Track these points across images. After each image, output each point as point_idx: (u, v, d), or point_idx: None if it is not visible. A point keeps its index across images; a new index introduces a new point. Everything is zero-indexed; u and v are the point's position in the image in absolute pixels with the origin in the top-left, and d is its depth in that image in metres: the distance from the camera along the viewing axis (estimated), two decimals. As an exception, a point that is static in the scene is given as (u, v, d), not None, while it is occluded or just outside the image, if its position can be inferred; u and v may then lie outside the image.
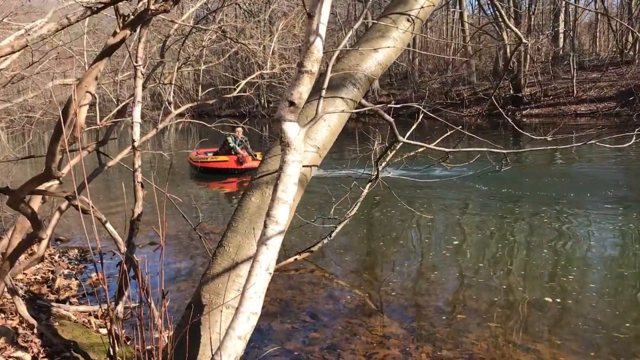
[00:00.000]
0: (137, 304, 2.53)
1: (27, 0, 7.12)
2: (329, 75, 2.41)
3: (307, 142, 2.51)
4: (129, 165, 4.02)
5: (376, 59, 2.83)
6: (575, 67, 24.56)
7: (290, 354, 3.82)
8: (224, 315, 2.13)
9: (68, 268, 5.73)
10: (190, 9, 6.39)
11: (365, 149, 6.75)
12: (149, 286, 2.33)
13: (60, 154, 2.52)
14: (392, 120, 3.59)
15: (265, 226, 1.89)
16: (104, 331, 3.76)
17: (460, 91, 27.75)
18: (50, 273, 5.35)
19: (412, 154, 5.28)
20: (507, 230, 7.07)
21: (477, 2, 31.99)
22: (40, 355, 3.06)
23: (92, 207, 2.34)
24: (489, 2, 24.95)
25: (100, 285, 4.90)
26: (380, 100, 28.62)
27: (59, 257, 6.09)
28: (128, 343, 3.37)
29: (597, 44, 29.68)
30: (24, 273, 4.89)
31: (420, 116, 3.58)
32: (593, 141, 3.41)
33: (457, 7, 30.08)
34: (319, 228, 6.39)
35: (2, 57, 2.84)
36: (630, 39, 25.73)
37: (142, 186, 3.59)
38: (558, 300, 4.67)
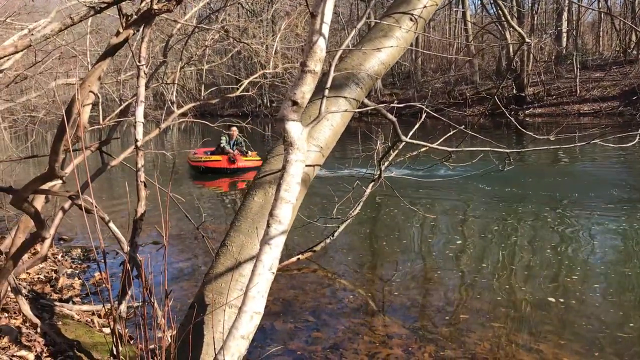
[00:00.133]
0: (140, 304, 2.53)
1: (31, 0, 7.14)
2: (332, 74, 2.41)
3: (310, 142, 2.51)
4: (131, 164, 4.03)
5: (379, 58, 2.83)
6: (578, 66, 24.47)
7: (293, 353, 3.82)
8: (227, 314, 2.13)
9: (71, 267, 5.74)
10: (193, 9, 6.40)
11: (367, 149, 6.75)
12: (152, 285, 2.33)
13: (64, 154, 2.52)
14: (394, 119, 3.58)
15: (268, 226, 1.89)
16: (107, 330, 3.77)
17: (463, 90, 27.69)
18: (53, 272, 5.37)
19: (414, 153, 5.27)
20: (510, 230, 7.06)
21: (479, 2, 32.01)
22: (44, 355, 3.07)
23: (95, 207, 2.34)
24: (491, 1, 24.91)
25: (104, 285, 4.91)
26: (382, 99, 28.59)
27: (62, 256, 6.11)
28: (131, 342, 3.37)
29: (601, 43, 29.56)
30: (27, 272, 4.91)
31: (423, 115, 3.57)
32: (596, 141, 3.40)
33: (460, 6, 30.05)
34: (322, 228, 6.38)
35: (5, 56, 2.85)
36: (633, 38, 25.65)
37: (145, 185, 3.60)
38: (561, 300, 4.65)
